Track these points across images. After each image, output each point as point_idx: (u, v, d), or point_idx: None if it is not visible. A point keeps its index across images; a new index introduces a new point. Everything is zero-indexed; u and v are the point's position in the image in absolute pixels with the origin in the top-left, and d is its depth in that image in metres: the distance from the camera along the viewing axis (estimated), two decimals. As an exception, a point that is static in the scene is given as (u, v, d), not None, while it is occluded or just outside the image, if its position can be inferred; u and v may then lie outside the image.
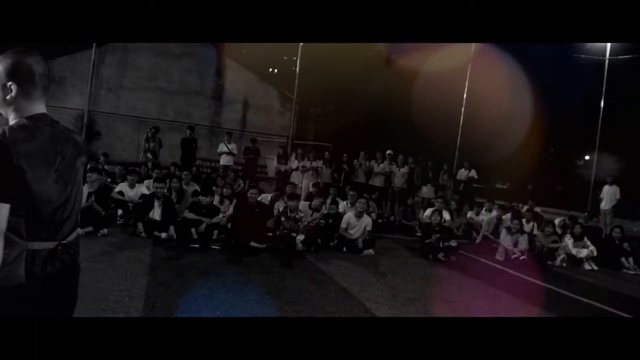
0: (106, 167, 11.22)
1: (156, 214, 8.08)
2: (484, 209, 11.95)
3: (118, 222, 8.47)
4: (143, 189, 9.16)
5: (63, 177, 1.91)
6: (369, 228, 8.87)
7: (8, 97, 1.88)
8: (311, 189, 11.90)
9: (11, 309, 1.80)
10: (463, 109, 20.85)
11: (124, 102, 20.53)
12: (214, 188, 9.26)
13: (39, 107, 1.94)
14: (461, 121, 20.81)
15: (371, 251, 8.57)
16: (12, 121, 1.90)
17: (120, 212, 8.67)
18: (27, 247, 1.79)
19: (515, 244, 9.43)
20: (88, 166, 9.77)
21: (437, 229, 8.98)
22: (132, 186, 9.09)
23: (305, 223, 8.49)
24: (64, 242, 1.93)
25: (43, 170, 1.83)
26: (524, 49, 22.37)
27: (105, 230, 7.64)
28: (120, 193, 8.90)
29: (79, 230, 2.01)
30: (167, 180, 9.27)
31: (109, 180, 9.85)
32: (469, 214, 11.98)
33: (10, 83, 1.87)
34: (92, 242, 7.12)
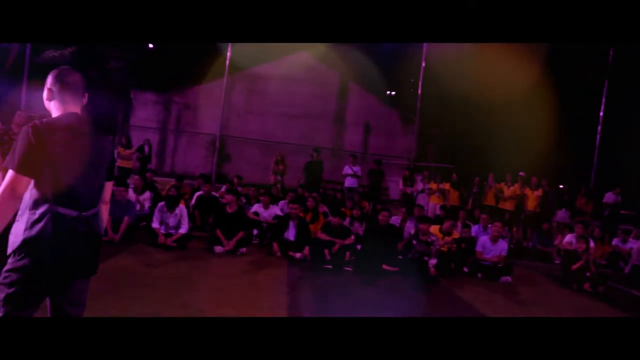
0: (239, 188, 11.76)
1: (291, 234, 8.33)
2: (631, 236, 10.91)
3: (254, 242, 8.83)
4: (276, 209, 9.49)
5: (84, 163, 2.42)
6: (504, 253, 8.44)
7: (49, 97, 2.50)
8: (438, 212, 11.63)
9: (45, 259, 2.29)
10: (600, 127, 19.34)
11: (251, 126, 21.60)
12: (342, 210, 9.35)
13: (73, 108, 2.50)
14: (598, 140, 19.30)
15: (509, 278, 8.11)
16: (53, 115, 2.48)
17: (255, 232, 9.04)
18: (54, 210, 2.29)
19: (675, 276, 8.47)
20: (224, 188, 10.45)
21: (581, 256, 8.31)
22: (265, 207, 9.45)
23: (438, 247, 8.27)
24: (84, 214, 2.42)
25: (67, 155, 2.34)
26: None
27: (244, 249, 8.01)
28: (255, 214, 9.29)
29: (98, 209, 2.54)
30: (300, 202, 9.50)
31: (244, 201, 10.32)
32: (615, 242, 10.98)
33: (51, 87, 2.49)
34: (233, 260, 7.50)
